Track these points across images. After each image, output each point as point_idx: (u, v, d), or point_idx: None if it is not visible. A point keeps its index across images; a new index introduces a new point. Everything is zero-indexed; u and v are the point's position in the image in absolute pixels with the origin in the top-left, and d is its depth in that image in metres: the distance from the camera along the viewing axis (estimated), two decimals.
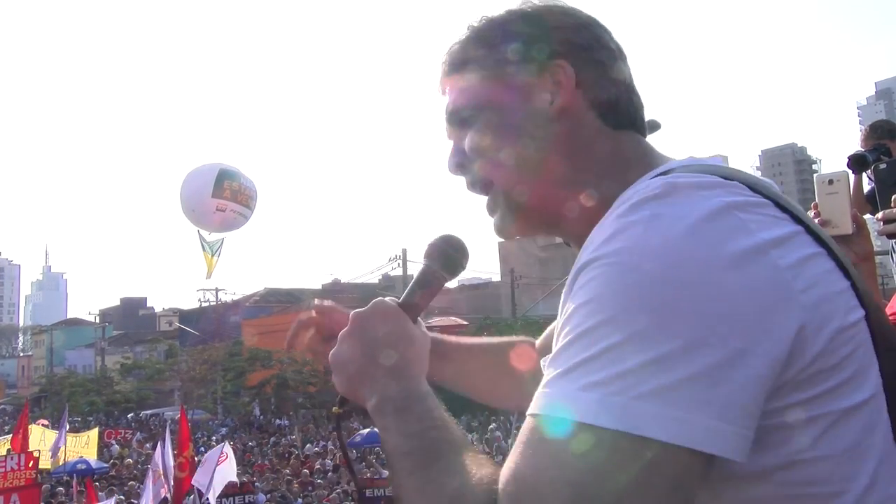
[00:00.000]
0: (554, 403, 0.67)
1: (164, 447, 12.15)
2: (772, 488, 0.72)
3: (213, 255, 14.76)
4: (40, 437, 16.69)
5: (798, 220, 0.76)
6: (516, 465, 0.67)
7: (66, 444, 16.10)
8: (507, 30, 0.95)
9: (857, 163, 1.97)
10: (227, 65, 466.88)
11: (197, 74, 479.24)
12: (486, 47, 0.96)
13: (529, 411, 0.70)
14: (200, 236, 14.84)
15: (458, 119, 0.98)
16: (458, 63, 0.98)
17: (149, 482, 11.60)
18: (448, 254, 1.01)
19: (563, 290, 0.77)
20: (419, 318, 1.01)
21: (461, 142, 0.98)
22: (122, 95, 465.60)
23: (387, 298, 0.98)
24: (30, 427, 18.14)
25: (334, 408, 1.02)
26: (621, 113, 0.94)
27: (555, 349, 0.72)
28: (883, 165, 1.85)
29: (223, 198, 13.23)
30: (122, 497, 14.01)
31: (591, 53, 0.93)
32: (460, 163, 0.99)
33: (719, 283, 0.67)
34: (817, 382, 0.70)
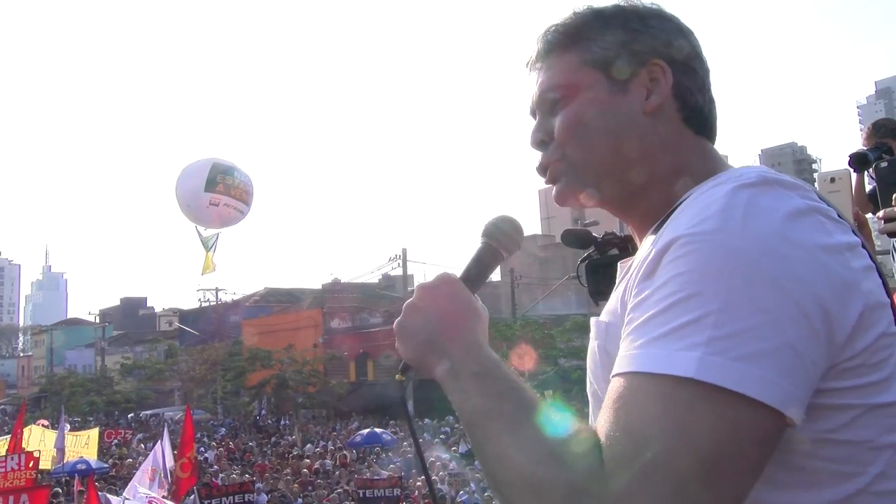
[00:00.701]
0: (655, 361, 0.73)
1: (163, 447, 12.14)
2: (799, 459, 0.78)
3: (208, 251, 14.63)
4: (40, 438, 16.70)
5: (854, 232, 0.84)
6: (622, 420, 0.72)
7: (63, 445, 16.09)
8: (614, 21, 1.00)
9: (859, 161, 1.97)
10: (227, 64, 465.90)
11: (197, 73, 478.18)
12: (590, 34, 1.00)
13: (624, 370, 0.76)
14: (198, 232, 14.74)
15: (551, 97, 1.01)
16: (560, 44, 1.01)
17: (138, 478, 11.62)
18: (506, 232, 1.07)
19: (639, 264, 0.83)
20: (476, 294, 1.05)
21: (547, 119, 1.02)
22: (122, 95, 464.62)
23: (449, 272, 1.03)
24: (30, 427, 18.14)
25: (397, 375, 1.04)
26: (704, 121, 1.00)
27: (642, 316, 0.77)
28: (884, 164, 1.85)
29: (216, 192, 13.12)
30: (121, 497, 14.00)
31: (687, 61, 0.99)
32: (542, 139, 1.03)
33: (808, 267, 0.75)
34: (859, 375, 0.78)
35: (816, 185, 1.86)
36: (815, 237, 0.77)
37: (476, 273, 1.05)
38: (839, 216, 0.83)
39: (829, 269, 0.76)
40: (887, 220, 1.78)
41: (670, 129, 0.98)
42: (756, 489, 0.73)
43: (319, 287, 45.87)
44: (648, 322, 0.76)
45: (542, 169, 1.04)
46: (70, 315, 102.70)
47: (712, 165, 0.97)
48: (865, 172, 2.11)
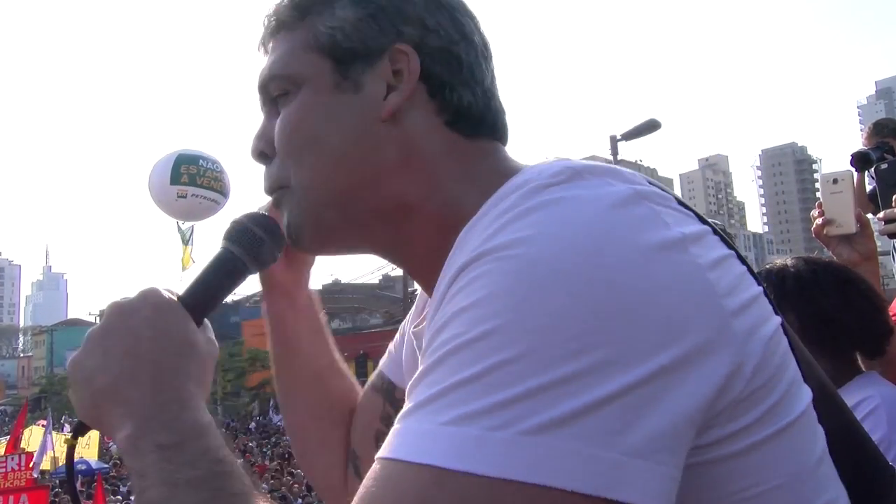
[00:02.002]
0: (412, 443, 0.50)
1: None
2: None
3: (186, 245, 14.46)
4: (40, 438, 16.68)
5: (700, 218, 0.63)
6: None
7: (52, 448, 16.08)
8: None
9: (861, 161, 1.97)
10: (227, 64, 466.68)
11: (197, 73, 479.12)
12: (320, 6, 0.75)
13: (378, 454, 0.52)
14: (178, 227, 14.59)
15: (268, 94, 0.78)
16: (289, 18, 0.77)
17: None
18: (255, 234, 0.78)
19: (432, 304, 0.60)
20: (205, 322, 0.75)
21: (271, 121, 0.78)
22: (121, 95, 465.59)
23: (163, 289, 0.72)
24: (30, 428, 18.14)
25: (65, 437, 0.78)
26: (476, 120, 0.75)
27: (420, 369, 0.54)
28: (884, 165, 1.85)
29: (181, 184, 12.98)
30: (121, 497, 14.02)
31: (448, 44, 0.74)
32: (261, 150, 0.79)
33: (638, 281, 0.52)
34: (757, 401, 0.56)
35: (819, 186, 1.86)
36: (645, 235, 0.54)
37: (203, 292, 0.74)
38: (679, 202, 0.62)
39: (668, 276, 0.53)
40: (888, 221, 1.78)
41: (426, 134, 0.73)
42: None
43: (319, 287, 45.63)
44: (422, 380, 0.53)
45: (269, 192, 0.79)
46: (70, 315, 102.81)
47: (494, 172, 0.71)
48: (866, 172, 2.11)
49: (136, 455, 0.62)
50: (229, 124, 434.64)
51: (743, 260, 0.62)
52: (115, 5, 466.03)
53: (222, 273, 0.76)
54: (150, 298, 0.71)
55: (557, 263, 0.51)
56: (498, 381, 0.48)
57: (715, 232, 0.61)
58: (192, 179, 13.25)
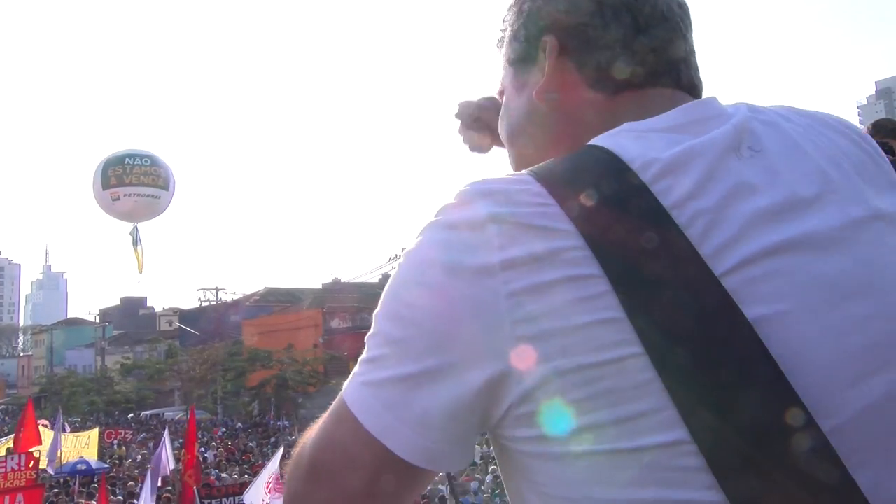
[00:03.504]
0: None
1: (164, 446, 12.16)
2: None
3: (135, 246, 14.19)
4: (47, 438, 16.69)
5: (602, 230, 0.65)
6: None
7: (62, 446, 16.08)
8: (513, 7, 0.91)
9: None
10: (226, 64, 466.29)
11: (196, 73, 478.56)
12: (504, 28, 0.93)
13: None
14: (134, 228, 14.29)
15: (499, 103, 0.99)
16: (497, 44, 0.97)
17: (148, 479, 11.61)
18: None
19: None
20: None
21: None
22: (120, 95, 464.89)
23: None
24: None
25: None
26: (613, 74, 0.81)
27: None
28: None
29: (111, 186, 12.82)
30: (121, 497, 14.02)
31: (579, 20, 0.83)
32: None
33: (429, 299, 0.67)
34: (538, 423, 0.65)
35: None
36: (451, 257, 0.67)
37: None
38: (579, 212, 0.66)
39: (450, 298, 0.66)
40: None
41: (572, 104, 0.83)
42: None
43: (319, 287, 45.92)
44: None
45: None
46: (70, 315, 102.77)
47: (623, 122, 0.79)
48: None
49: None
50: (230, 124, 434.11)
51: (624, 279, 0.63)
52: (114, 6, 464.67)
53: None
54: None
55: (397, 281, 0.72)
56: (364, 349, 0.73)
57: (599, 246, 0.64)
58: (119, 180, 12.99)
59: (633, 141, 0.72)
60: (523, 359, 0.63)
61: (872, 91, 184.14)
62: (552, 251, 0.64)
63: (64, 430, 18.93)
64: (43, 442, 16.00)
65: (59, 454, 15.81)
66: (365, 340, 0.73)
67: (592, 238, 0.64)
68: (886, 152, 2.07)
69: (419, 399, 0.67)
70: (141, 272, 14.92)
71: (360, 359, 0.74)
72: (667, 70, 0.83)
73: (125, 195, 12.98)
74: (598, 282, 0.63)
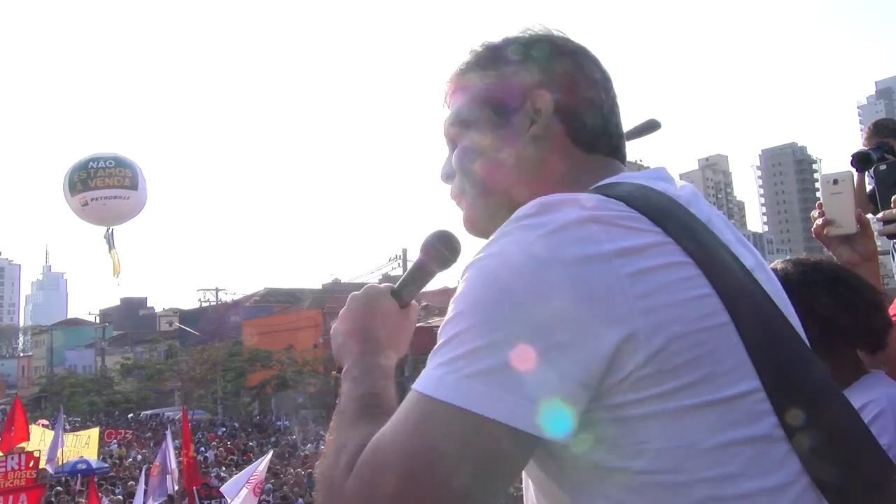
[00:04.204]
0: (419, 381, 0.79)
1: (166, 446, 12.17)
2: (627, 478, 0.78)
3: (113, 249, 14.09)
4: (40, 438, 16.69)
5: (677, 231, 0.82)
6: (377, 434, 0.79)
7: (63, 446, 16.06)
8: (497, 56, 1.04)
9: (861, 161, 1.96)
10: (227, 64, 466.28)
11: (198, 73, 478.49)
12: (478, 72, 1.05)
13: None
14: (108, 232, 14.17)
15: (451, 133, 1.08)
16: (457, 83, 1.08)
17: (142, 479, 11.61)
18: (435, 247, 1.10)
19: None
20: (412, 303, 1.14)
21: (450, 149, 1.09)
22: (121, 95, 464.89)
23: (382, 284, 1.12)
24: (31, 427, 18.11)
25: (333, 372, 1.14)
26: (596, 137, 1.01)
27: None
28: (883, 166, 1.85)
29: (77, 191, 12.76)
30: (121, 497, 14.02)
31: (570, 82, 1.01)
32: (448, 173, 1.10)
33: (548, 284, 0.75)
34: (655, 383, 0.76)
35: (819, 186, 1.86)
36: (569, 250, 0.77)
37: (403, 286, 1.12)
38: (657, 218, 0.83)
39: (581, 280, 0.75)
40: (886, 222, 1.78)
41: (556, 154, 1.00)
42: None
43: (319, 287, 45.97)
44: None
45: (452, 198, 1.11)
46: (70, 315, 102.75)
47: (595, 179, 0.96)
48: (866, 173, 2.11)
49: (344, 379, 1.00)
50: (230, 124, 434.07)
51: (714, 264, 0.82)
52: (115, 6, 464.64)
53: (415, 274, 1.12)
54: (369, 290, 1.11)
55: (493, 273, 0.78)
56: (454, 346, 0.77)
57: (681, 242, 0.82)
58: (84, 184, 12.88)
59: (652, 182, 0.92)
60: (646, 326, 0.75)
61: (872, 91, 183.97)
62: (650, 244, 0.80)
63: (64, 430, 18.93)
64: (42, 441, 16.02)
65: (59, 453, 15.79)
66: (448, 337, 0.78)
67: (676, 236, 0.82)
68: (887, 152, 2.08)
69: (543, 374, 0.74)
70: (117, 275, 14.79)
71: (445, 358, 0.77)
72: (620, 146, 1.05)
73: (92, 199, 12.88)
74: (689, 267, 0.80)
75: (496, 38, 1.08)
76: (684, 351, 0.76)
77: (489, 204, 1.03)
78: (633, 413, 0.77)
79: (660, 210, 0.84)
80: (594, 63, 1.04)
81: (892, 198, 1.75)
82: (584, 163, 1.00)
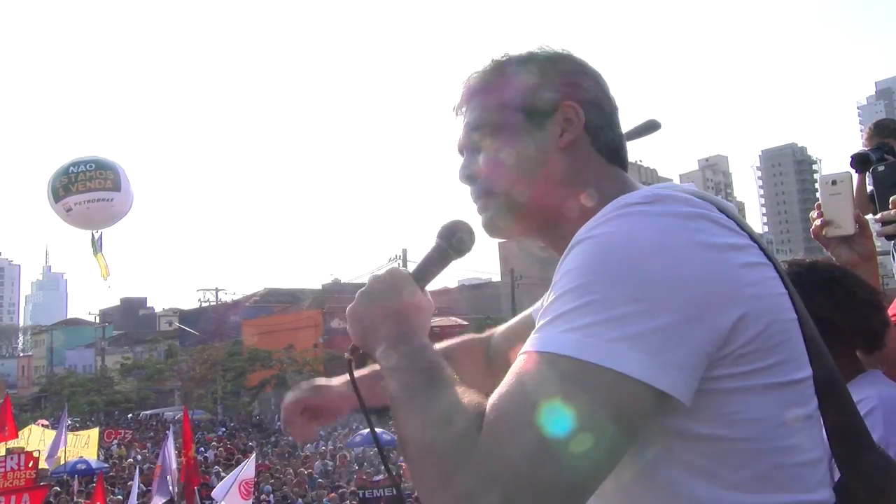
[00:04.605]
0: (539, 343, 0.83)
1: (167, 447, 12.18)
2: (709, 445, 0.86)
3: (96, 253, 14.04)
4: (40, 438, 16.69)
5: (752, 237, 0.94)
6: (499, 394, 0.81)
7: (66, 445, 16.06)
8: (529, 66, 1.11)
9: (861, 162, 1.96)
10: (228, 64, 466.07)
11: (197, 73, 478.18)
12: (509, 79, 1.11)
13: (521, 350, 0.85)
14: (92, 236, 14.12)
15: (476, 136, 1.12)
16: (482, 88, 1.13)
17: (136, 479, 11.60)
18: (456, 235, 1.15)
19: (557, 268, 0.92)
20: (425, 288, 1.16)
21: (474, 156, 1.13)
22: (120, 95, 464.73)
23: (402, 268, 1.13)
24: (30, 427, 18.09)
25: (346, 353, 1.14)
26: (615, 152, 1.12)
27: (546, 306, 0.87)
28: (881, 167, 1.85)
29: (60, 197, 12.74)
30: (121, 497, 14.02)
31: (596, 101, 1.11)
32: (470, 175, 1.14)
33: (683, 263, 0.83)
34: (753, 360, 0.86)
35: (818, 187, 1.86)
36: (696, 237, 0.86)
37: (424, 270, 1.14)
38: (738, 224, 0.93)
39: (709, 266, 0.84)
40: (884, 223, 1.78)
41: (584, 161, 1.09)
42: (683, 480, 0.86)
43: (319, 287, 46.01)
44: (546, 311, 0.86)
45: (476, 201, 1.15)
46: (70, 315, 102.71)
47: (622, 188, 1.06)
48: (867, 173, 2.11)
49: (386, 362, 0.98)
50: (230, 124, 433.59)
51: (777, 269, 0.94)
52: (117, 7, 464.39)
53: (434, 259, 1.15)
54: (393, 272, 1.11)
55: (624, 247, 0.84)
56: (587, 312, 0.81)
57: (761, 248, 0.94)
58: (66, 189, 12.84)
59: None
60: (754, 310, 0.85)
61: (872, 91, 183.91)
62: (747, 245, 0.91)
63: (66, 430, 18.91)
64: (42, 441, 16.01)
65: (61, 452, 15.79)
66: (577, 304, 0.82)
67: (756, 241, 0.94)
68: (887, 153, 2.08)
69: (679, 344, 0.81)
70: (105, 278, 14.73)
71: (578, 323, 0.81)
72: (626, 160, 1.15)
73: (76, 204, 12.83)
74: (771, 268, 0.92)
75: (518, 49, 1.14)
76: (774, 336, 0.87)
77: (520, 207, 1.10)
78: (727, 386, 0.85)
79: (735, 216, 0.95)
80: (606, 85, 1.15)
81: (891, 198, 1.75)
82: (606, 172, 1.10)
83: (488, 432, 0.78)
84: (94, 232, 13.98)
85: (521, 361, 0.83)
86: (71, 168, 13.00)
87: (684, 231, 0.86)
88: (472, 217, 1.17)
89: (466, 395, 0.86)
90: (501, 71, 1.12)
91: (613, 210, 0.89)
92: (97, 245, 14.21)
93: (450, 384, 0.89)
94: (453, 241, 1.14)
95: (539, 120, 1.08)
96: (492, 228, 1.14)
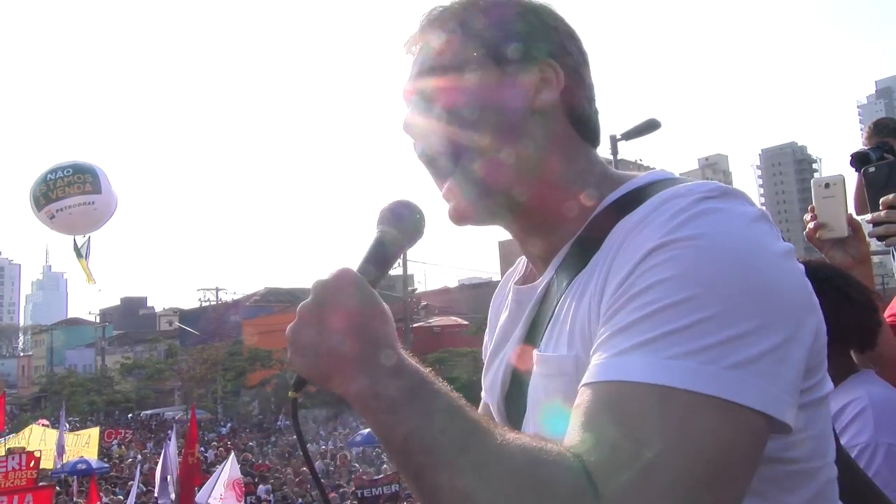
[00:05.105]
0: (647, 370, 0.69)
1: (168, 447, 12.18)
2: (776, 466, 0.78)
3: (81, 258, 14.01)
4: (41, 437, 16.69)
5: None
6: (613, 429, 0.68)
7: (64, 445, 16.07)
8: (510, 9, 0.93)
9: (861, 160, 1.97)
10: (226, 64, 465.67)
11: (197, 73, 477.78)
12: (483, 17, 0.92)
13: (606, 378, 0.71)
14: (74, 242, 14.10)
15: (429, 80, 0.93)
16: (446, 22, 0.94)
17: (137, 479, 11.59)
18: (404, 217, 0.93)
19: (613, 264, 0.80)
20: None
21: (426, 104, 0.94)
22: (120, 96, 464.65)
23: (350, 268, 0.86)
24: (30, 427, 18.10)
25: (290, 392, 0.90)
26: (591, 129, 0.97)
27: (620, 323, 0.73)
28: (872, 168, 1.86)
29: (42, 206, 12.75)
30: (121, 497, 14.03)
31: (577, 67, 0.95)
32: (414, 127, 0.96)
33: (780, 275, 0.76)
34: (814, 373, 0.80)
35: (812, 189, 1.87)
36: (776, 244, 0.78)
37: (376, 267, 0.89)
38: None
39: (794, 274, 0.78)
40: (875, 224, 1.79)
41: (558, 131, 0.93)
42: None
43: None
44: (629, 329, 0.72)
45: (427, 160, 0.96)
46: (70, 315, 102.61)
47: (603, 171, 0.95)
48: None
49: (380, 399, 0.75)
50: (230, 124, 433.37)
51: None
52: (119, 9, 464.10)
53: (383, 251, 0.90)
54: (345, 274, 0.84)
55: (727, 253, 0.73)
56: (700, 333, 0.69)
57: None
58: (46, 197, 12.84)
59: None
60: (819, 321, 0.80)
61: (872, 91, 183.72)
62: (792, 249, 0.82)
63: (64, 429, 18.91)
64: (43, 441, 16.01)
65: (52, 454, 15.78)
66: (687, 323, 0.70)
67: None
68: (887, 152, 2.08)
69: (788, 365, 0.72)
70: (91, 283, 14.69)
71: (691, 347, 0.69)
72: (598, 139, 0.99)
73: (57, 211, 12.80)
74: None
75: None
76: (822, 348, 0.82)
77: (485, 175, 0.91)
78: (801, 401, 0.76)
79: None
80: (589, 61, 0.99)
81: (881, 200, 1.76)
82: (583, 150, 0.95)
83: (609, 478, 0.65)
84: (79, 237, 13.92)
85: (617, 396, 0.69)
86: (49, 175, 12.99)
87: (766, 238, 0.77)
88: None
89: (532, 440, 0.70)
90: (474, 6, 0.93)
91: (686, 206, 0.77)
92: (82, 250, 14.12)
93: (489, 425, 0.72)
94: (402, 227, 0.92)
95: (512, 71, 0.90)
96: (458, 213, 0.94)
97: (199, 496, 10.28)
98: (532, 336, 0.93)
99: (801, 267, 0.80)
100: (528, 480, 0.66)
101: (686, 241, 0.74)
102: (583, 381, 0.74)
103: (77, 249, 13.87)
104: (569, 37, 0.96)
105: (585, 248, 0.87)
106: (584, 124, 0.95)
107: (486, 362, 1.07)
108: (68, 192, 12.70)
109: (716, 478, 0.66)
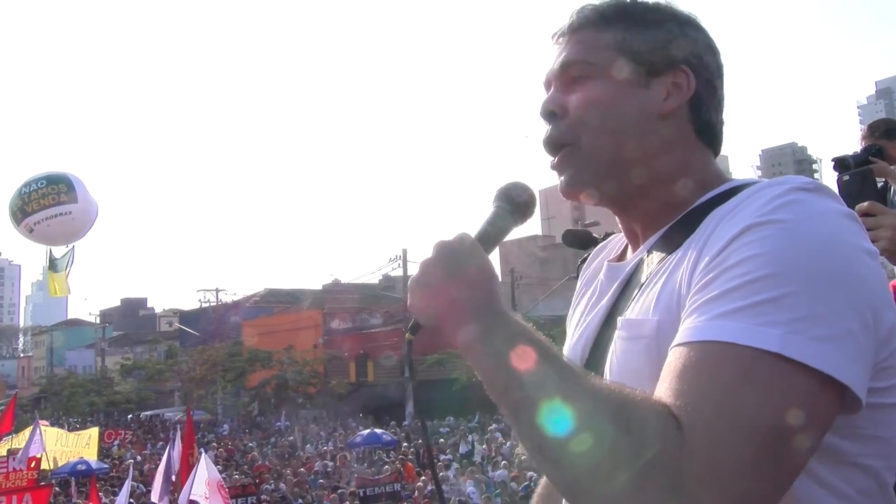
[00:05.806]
0: (737, 333, 0.75)
1: (172, 448, 12.19)
2: (832, 457, 0.83)
3: (58, 272, 13.88)
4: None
5: None
6: (701, 387, 0.74)
7: (44, 446, 15.97)
8: (654, 17, 1.02)
9: (841, 166, 2.01)
10: (226, 64, 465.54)
11: (197, 72, 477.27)
12: (628, 22, 1.01)
13: (698, 338, 0.78)
14: (49, 255, 14.01)
15: (575, 71, 1.02)
16: (596, 22, 1.03)
17: (129, 478, 11.60)
18: (520, 195, 1.03)
19: (706, 244, 0.86)
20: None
21: (562, 92, 1.03)
22: (120, 96, 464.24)
23: (465, 234, 0.97)
24: (30, 428, 18.07)
25: (406, 334, 1.01)
26: (714, 137, 1.04)
27: (713, 292, 0.80)
28: (846, 177, 1.89)
29: (20, 220, 12.76)
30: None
31: (711, 78, 1.03)
32: (552, 111, 1.03)
33: (863, 268, 0.81)
34: (890, 376, 0.84)
35: None
36: (862, 242, 0.83)
37: (492, 236, 1.00)
38: None
39: (875, 271, 0.83)
40: None
41: (679, 134, 1.00)
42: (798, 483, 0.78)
43: (320, 287, 45.87)
44: (722, 297, 0.79)
45: (550, 142, 1.03)
46: (70, 315, 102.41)
47: (716, 173, 1.02)
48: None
49: (489, 344, 0.85)
50: (230, 124, 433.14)
51: None
52: (121, 10, 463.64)
53: (499, 224, 1.01)
54: (466, 237, 0.95)
55: (816, 239, 0.79)
56: (788, 306, 0.76)
57: None
58: (23, 212, 12.78)
59: None
60: (895, 320, 0.84)
61: (872, 91, 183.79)
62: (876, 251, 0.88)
63: (64, 429, 18.87)
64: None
65: (60, 453, 15.76)
66: (774, 296, 0.76)
67: None
68: (874, 154, 2.10)
69: (863, 350, 0.77)
70: (66, 294, 14.53)
71: (778, 317, 0.75)
72: (719, 149, 1.06)
73: (35, 223, 12.75)
74: None
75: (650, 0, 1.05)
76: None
77: (606, 164, 1.00)
78: (868, 400, 0.79)
79: None
80: (724, 68, 1.06)
81: (854, 208, 1.79)
82: (700, 154, 1.02)
83: (698, 434, 0.71)
84: (52, 249, 13.78)
85: (711, 354, 0.76)
86: (23, 189, 12.91)
87: (855, 234, 0.83)
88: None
89: (620, 386, 0.79)
90: (624, 10, 1.02)
91: (781, 194, 0.84)
92: (65, 260, 13.92)
93: (577, 366, 0.84)
94: (518, 204, 1.02)
95: (647, 76, 0.99)
96: (573, 183, 1.02)
97: (180, 498, 10.21)
98: (618, 308, 1.00)
99: (881, 268, 0.85)
100: (619, 414, 0.74)
101: (779, 223, 0.80)
102: (675, 342, 0.81)
103: (53, 262, 13.68)
104: (707, 49, 1.04)
105: (681, 231, 0.95)
106: (707, 131, 1.03)
107: (568, 333, 1.15)
108: (43, 204, 12.60)
109: (791, 434, 0.72)
